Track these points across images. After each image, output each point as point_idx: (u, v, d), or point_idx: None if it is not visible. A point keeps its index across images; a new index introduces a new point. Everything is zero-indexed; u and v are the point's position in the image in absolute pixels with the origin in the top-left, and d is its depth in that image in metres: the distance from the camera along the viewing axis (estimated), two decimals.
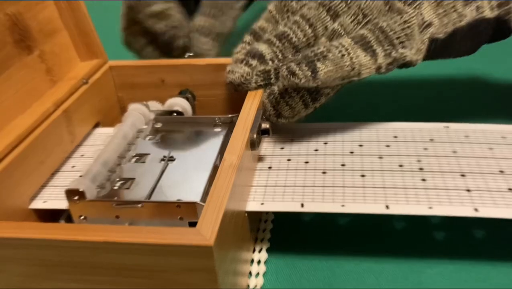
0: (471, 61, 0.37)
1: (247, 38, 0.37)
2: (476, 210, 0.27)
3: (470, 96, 0.46)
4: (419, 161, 0.31)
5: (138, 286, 0.24)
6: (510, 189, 0.29)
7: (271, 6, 0.37)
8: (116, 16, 0.45)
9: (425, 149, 0.33)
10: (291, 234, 0.33)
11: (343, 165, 0.32)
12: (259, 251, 0.31)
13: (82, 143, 0.37)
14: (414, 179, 0.30)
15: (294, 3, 0.36)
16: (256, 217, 0.32)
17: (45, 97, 0.35)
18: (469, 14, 0.33)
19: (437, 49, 0.34)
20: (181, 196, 0.29)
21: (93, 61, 0.40)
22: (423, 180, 0.30)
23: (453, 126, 0.34)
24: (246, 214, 0.29)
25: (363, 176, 0.31)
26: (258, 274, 0.29)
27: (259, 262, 0.30)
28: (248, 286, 0.29)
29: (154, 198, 0.30)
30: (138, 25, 0.44)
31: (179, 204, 0.28)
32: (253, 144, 0.30)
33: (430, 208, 0.28)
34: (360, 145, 0.33)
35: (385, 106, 0.46)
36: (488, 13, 0.34)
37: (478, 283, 0.28)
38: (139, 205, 0.28)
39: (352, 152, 0.33)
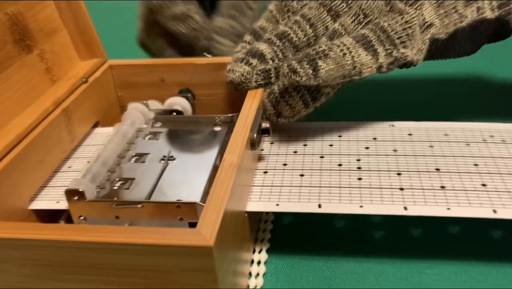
0: (471, 60, 0.37)
1: (248, 37, 0.37)
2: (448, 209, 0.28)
3: (470, 96, 0.46)
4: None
5: (138, 286, 0.24)
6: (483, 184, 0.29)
7: (271, 6, 0.37)
8: (116, 16, 0.46)
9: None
10: (291, 234, 0.33)
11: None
12: (259, 252, 0.31)
13: (81, 143, 0.37)
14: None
15: (294, 3, 0.36)
16: (256, 217, 0.32)
17: (44, 96, 0.35)
18: (470, 14, 0.33)
19: (438, 49, 0.34)
20: (181, 196, 0.29)
21: (93, 60, 0.40)
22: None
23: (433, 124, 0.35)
24: (246, 214, 0.29)
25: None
26: (258, 274, 0.29)
27: (259, 262, 0.30)
28: (248, 286, 0.29)
29: (154, 198, 0.30)
30: (158, 27, 0.44)
31: (179, 205, 0.28)
32: (253, 144, 0.30)
33: (405, 208, 0.28)
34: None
35: (385, 105, 0.46)
36: (489, 14, 0.34)
37: (478, 283, 0.28)
38: (139, 206, 0.28)
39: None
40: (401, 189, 0.29)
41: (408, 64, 0.32)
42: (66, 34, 0.39)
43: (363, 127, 0.35)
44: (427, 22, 0.32)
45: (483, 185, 0.29)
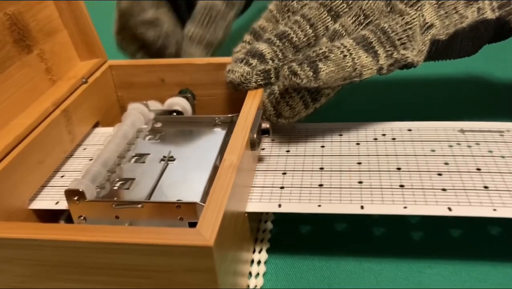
0: (471, 61, 0.37)
1: (247, 37, 0.37)
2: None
3: (470, 95, 0.46)
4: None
5: (138, 286, 0.24)
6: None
7: (271, 6, 0.37)
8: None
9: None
10: (291, 234, 0.33)
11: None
12: (259, 252, 0.31)
13: (81, 143, 0.37)
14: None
15: (295, 2, 0.36)
16: (256, 217, 0.32)
17: (44, 97, 0.35)
18: (470, 15, 0.33)
19: (439, 50, 0.34)
20: (181, 197, 0.29)
21: (92, 61, 0.40)
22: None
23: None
24: (246, 215, 0.29)
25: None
26: (258, 274, 0.29)
27: (259, 262, 0.30)
28: (248, 286, 0.29)
29: (154, 198, 0.30)
30: (130, 30, 0.44)
31: (179, 205, 0.28)
32: (253, 144, 0.30)
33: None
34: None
35: (386, 106, 0.46)
36: (489, 14, 0.34)
37: (478, 283, 0.28)
38: (139, 206, 0.28)
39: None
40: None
41: (408, 65, 0.32)
42: (66, 34, 0.39)
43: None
44: (427, 23, 0.32)
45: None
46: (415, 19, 0.32)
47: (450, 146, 0.33)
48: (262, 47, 0.34)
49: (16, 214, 0.30)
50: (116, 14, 0.44)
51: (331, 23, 0.34)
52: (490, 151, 0.32)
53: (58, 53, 0.38)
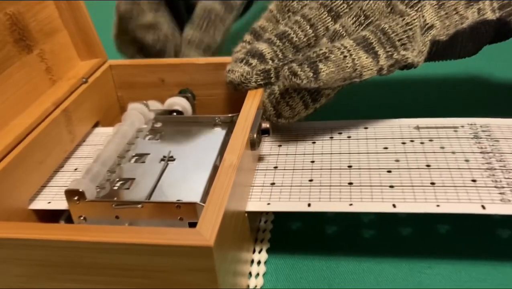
0: (471, 61, 0.37)
1: (247, 37, 0.37)
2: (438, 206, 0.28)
3: (470, 95, 0.46)
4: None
5: (138, 286, 0.24)
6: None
7: (272, 6, 0.37)
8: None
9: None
10: (291, 234, 0.33)
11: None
12: (259, 252, 0.31)
13: (81, 143, 0.37)
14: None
15: (295, 3, 0.36)
16: (256, 217, 0.32)
17: (44, 97, 0.35)
18: (471, 16, 0.33)
19: (439, 51, 0.34)
20: (181, 197, 0.29)
21: (92, 60, 0.40)
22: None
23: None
24: (246, 214, 0.29)
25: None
26: (258, 274, 0.29)
27: (259, 262, 0.30)
28: (248, 286, 0.29)
29: (154, 198, 0.30)
30: (129, 34, 0.44)
31: (179, 205, 0.28)
32: (253, 144, 0.30)
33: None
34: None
35: (386, 104, 0.46)
36: (490, 15, 0.33)
37: (478, 283, 0.28)
38: (139, 206, 0.28)
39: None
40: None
41: (408, 66, 0.32)
42: (66, 34, 0.39)
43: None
44: (427, 23, 0.32)
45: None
46: (416, 20, 0.32)
47: (403, 143, 0.33)
48: (262, 47, 0.34)
49: (16, 214, 0.30)
50: (115, 17, 0.44)
51: (331, 24, 0.34)
52: (442, 147, 0.32)
53: (58, 53, 0.38)
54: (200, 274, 0.22)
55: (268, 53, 0.34)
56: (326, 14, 0.34)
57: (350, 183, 0.30)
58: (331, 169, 0.31)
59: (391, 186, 0.29)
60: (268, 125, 0.32)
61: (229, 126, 0.36)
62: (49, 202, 0.31)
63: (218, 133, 0.35)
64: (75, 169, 0.34)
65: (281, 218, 0.33)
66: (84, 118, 0.37)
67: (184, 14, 0.46)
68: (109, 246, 0.23)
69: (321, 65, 0.30)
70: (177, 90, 0.40)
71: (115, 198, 0.30)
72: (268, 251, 0.31)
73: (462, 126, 0.34)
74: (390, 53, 0.31)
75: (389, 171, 0.30)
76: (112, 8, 0.43)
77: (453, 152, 0.31)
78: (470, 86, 0.48)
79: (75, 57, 0.40)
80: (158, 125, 0.37)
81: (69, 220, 0.30)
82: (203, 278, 0.23)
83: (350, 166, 0.31)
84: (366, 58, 0.31)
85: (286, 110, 0.33)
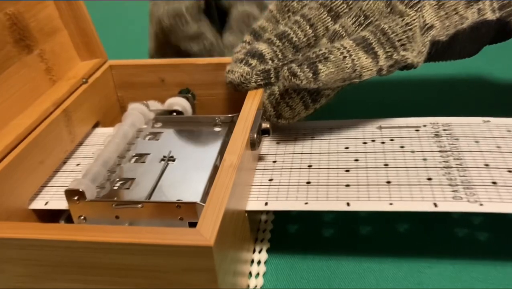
0: (472, 61, 0.37)
1: (247, 37, 0.37)
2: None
3: (471, 95, 0.46)
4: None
5: (138, 286, 0.24)
6: None
7: (272, 6, 0.37)
8: (116, 16, 0.46)
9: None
10: (291, 234, 0.33)
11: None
12: (259, 252, 0.31)
13: (81, 143, 0.37)
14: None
15: (295, 3, 0.36)
16: (256, 217, 0.32)
17: (44, 97, 0.35)
18: (471, 16, 0.33)
19: (439, 51, 0.34)
20: (181, 197, 0.29)
21: (93, 61, 0.40)
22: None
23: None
24: (246, 214, 0.29)
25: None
26: (258, 274, 0.29)
27: (259, 262, 0.30)
28: (248, 286, 0.29)
29: (154, 198, 0.30)
30: (170, 46, 0.45)
31: (179, 205, 0.28)
32: (253, 144, 0.30)
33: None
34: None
35: (387, 103, 0.45)
36: (490, 15, 0.33)
37: (478, 283, 0.28)
38: (139, 206, 0.28)
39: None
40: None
41: (408, 67, 0.32)
42: (66, 34, 0.39)
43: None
44: (427, 24, 0.32)
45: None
46: (415, 20, 0.32)
47: (365, 143, 0.33)
48: (262, 47, 0.34)
49: (16, 214, 0.30)
50: (153, 31, 0.45)
51: (331, 24, 0.34)
52: (402, 147, 0.32)
53: (58, 53, 0.38)
54: (200, 274, 0.23)
55: (268, 53, 0.34)
56: (326, 14, 0.34)
57: (308, 182, 0.30)
58: (291, 169, 0.32)
59: (347, 185, 0.30)
60: (268, 125, 0.32)
61: (229, 126, 0.36)
62: (49, 202, 0.31)
63: (218, 133, 0.35)
64: (77, 165, 0.35)
65: (281, 218, 0.33)
66: (84, 118, 0.37)
67: (217, 20, 0.47)
68: (109, 246, 0.23)
69: (320, 66, 0.30)
70: (177, 90, 0.40)
71: (115, 198, 0.30)
72: (268, 251, 0.31)
73: (425, 126, 0.34)
74: (389, 53, 0.31)
75: (347, 171, 0.31)
76: (112, 8, 0.43)
77: (413, 151, 0.32)
78: (470, 86, 0.48)
79: (75, 57, 0.40)
80: (158, 125, 0.37)
81: (69, 220, 0.30)
82: (203, 278, 0.23)
83: (310, 166, 0.32)
84: (366, 58, 0.31)
85: (286, 110, 0.33)
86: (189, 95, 0.40)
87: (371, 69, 0.31)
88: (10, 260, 0.24)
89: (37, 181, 0.32)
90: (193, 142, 0.35)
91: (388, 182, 0.29)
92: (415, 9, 0.32)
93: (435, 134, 0.33)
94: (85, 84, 0.38)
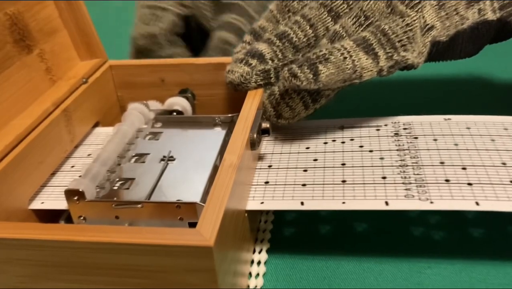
0: (472, 61, 0.37)
1: (247, 37, 0.37)
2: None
3: (470, 95, 0.46)
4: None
5: (138, 286, 0.24)
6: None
7: (272, 6, 0.37)
8: (116, 16, 0.46)
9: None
10: (291, 234, 0.33)
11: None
12: (259, 252, 0.31)
13: (81, 143, 0.37)
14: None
15: (295, 3, 0.36)
16: (256, 217, 0.32)
17: (44, 97, 0.35)
18: (471, 16, 0.33)
19: (439, 51, 0.34)
20: (181, 197, 0.29)
21: (92, 61, 0.40)
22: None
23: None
24: (246, 215, 0.29)
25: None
26: (258, 274, 0.29)
27: (259, 262, 0.30)
28: (248, 286, 0.29)
29: (154, 198, 0.30)
30: None
31: (179, 205, 0.28)
32: (253, 144, 0.30)
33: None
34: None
35: (386, 103, 0.46)
36: (490, 15, 0.33)
37: (478, 283, 0.28)
38: (139, 206, 0.28)
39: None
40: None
41: (409, 67, 0.32)
42: (66, 34, 0.39)
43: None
44: (428, 24, 0.32)
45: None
46: (416, 21, 0.32)
47: (325, 143, 0.34)
48: (262, 47, 0.34)
49: (16, 214, 0.30)
50: (132, 52, 0.45)
51: (331, 24, 0.34)
52: (361, 146, 0.33)
53: (58, 53, 0.38)
54: (200, 274, 0.22)
55: (268, 53, 0.34)
56: (326, 14, 0.34)
57: (267, 182, 0.31)
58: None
59: (304, 185, 0.30)
60: (268, 125, 0.32)
61: (229, 126, 0.36)
62: (49, 202, 0.31)
63: (218, 133, 0.35)
64: (77, 165, 0.35)
65: (281, 219, 0.33)
66: (84, 118, 0.37)
67: (199, 44, 0.47)
68: (109, 246, 0.23)
69: (321, 67, 0.30)
70: (177, 90, 0.40)
71: (115, 198, 0.30)
72: (268, 251, 0.31)
73: (386, 125, 0.34)
74: (390, 54, 0.31)
75: (305, 170, 0.31)
76: (112, 8, 0.43)
77: (371, 151, 0.32)
78: (470, 86, 0.48)
79: (75, 57, 0.40)
80: (158, 125, 0.37)
81: (69, 220, 0.30)
82: (203, 278, 0.23)
83: (270, 166, 0.32)
84: (366, 59, 0.31)
85: (286, 110, 0.33)
86: (189, 95, 0.40)
87: (371, 70, 0.31)
88: (10, 260, 0.24)
89: (37, 181, 0.32)
90: (193, 142, 0.35)
91: (343, 181, 0.30)
92: (416, 9, 0.32)
93: (395, 133, 0.33)
94: (85, 84, 0.38)
